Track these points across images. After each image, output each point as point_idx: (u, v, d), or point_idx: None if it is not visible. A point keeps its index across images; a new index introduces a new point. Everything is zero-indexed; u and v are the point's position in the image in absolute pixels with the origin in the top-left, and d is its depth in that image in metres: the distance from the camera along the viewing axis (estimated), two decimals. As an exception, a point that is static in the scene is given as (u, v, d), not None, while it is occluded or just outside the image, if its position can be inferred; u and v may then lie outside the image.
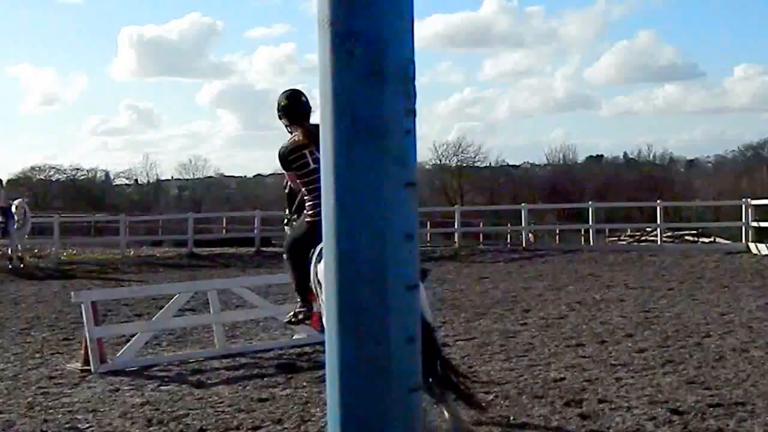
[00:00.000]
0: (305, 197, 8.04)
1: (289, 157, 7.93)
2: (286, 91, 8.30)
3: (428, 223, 36.46)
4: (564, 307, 15.29)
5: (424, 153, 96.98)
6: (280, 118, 8.25)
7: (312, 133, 7.69)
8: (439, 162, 75.22)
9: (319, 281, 7.31)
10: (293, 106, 8.10)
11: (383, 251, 1.60)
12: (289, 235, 8.49)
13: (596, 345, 11.40)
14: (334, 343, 1.61)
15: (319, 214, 7.30)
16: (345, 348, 1.59)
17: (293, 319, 8.72)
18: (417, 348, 1.61)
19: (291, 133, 8.09)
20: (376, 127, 1.61)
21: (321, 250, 7.43)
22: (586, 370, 9.89)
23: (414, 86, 1.69)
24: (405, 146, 1.65)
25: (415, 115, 1.69)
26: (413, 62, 1.69)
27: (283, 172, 8.46)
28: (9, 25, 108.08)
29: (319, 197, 6.91)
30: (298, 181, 8.00)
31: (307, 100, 8.17)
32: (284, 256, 8.49)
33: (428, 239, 34.24)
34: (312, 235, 7.66)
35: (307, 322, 8.89)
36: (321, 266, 7.38)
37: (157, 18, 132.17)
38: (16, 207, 26.20)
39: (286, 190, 9.00)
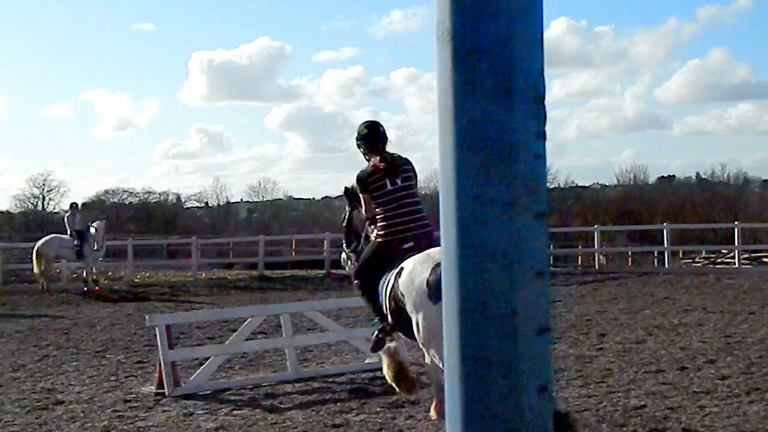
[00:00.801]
0: (378, 219, 8.29)
1: (368, 179, 8.32)
2: (366, 121, 8.84)
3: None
4: (641, 331, 14.95)
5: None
6: (359, 147, 8.71)
7: (390, 161, 8.36)
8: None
9: (402, 293, 7.54)
10: (373, 136, 8.56)
11: (512, 291, 1.43)
12: (359, 259, 8.63)
13: (677, 371, 11.10)
14: (456, 395, 1.44)
15: (389, 235, 8.15)
16: (469, 400, 1.43)
17: (374, 345, 8.82)
18: (549, 399, 1.45)
19: (368, 160, 8.51)
20: (504, 151, 1.44)
21: (400, 268, 7.65)
22: (667, 397, 9.62)
23: (544, 106, 1.53)
24: (535, 172, 1.48)
25: (545, 138, 1.53)
26: (543, 79, 1.52)
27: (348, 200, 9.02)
28: (85, 52, 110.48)
29: (389, 220, 7.67)
30: (373, 204, 8.31)
31: (385, 131, 8.64)
32: (354, 279, 8.72)
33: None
34: (381, 256, 8.14)
35: (388, 340, 8.82)
36: (403, 278, 7.57)
37: (227, 43, 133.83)
38: (96, 229, 26.61)
39: (344, 224, 9.33)
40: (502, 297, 1.41)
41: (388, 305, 7.97)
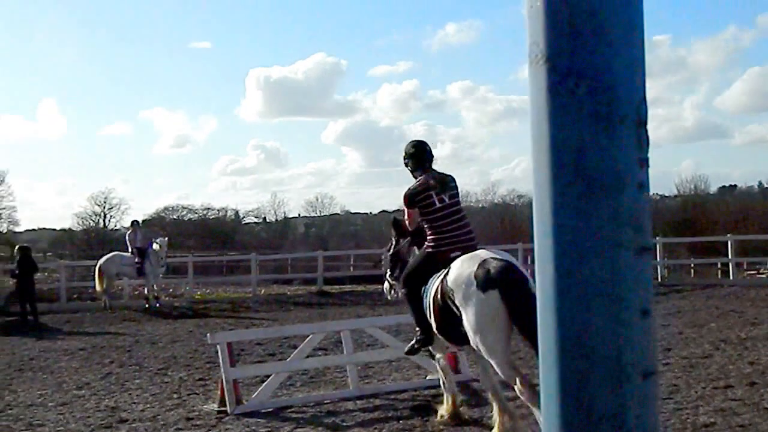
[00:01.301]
0: (428, 233, 8.72)
1: (417, 197, 8.75)
2: (413, 141, 9.32)
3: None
4: (707, 345, 14.62)
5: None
6: (406, 165, 9.18)
7: (437, 178, 8.83)
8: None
9: (450, 288, 7.91)
10: (420, 154, 9.07)
11: (616, 332, 1.32)
12: (407, 267, 9.07)
13: (746, 387, 10.82)
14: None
15: (437, 247, 8.52)
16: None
17: (412, 349, 9.44)
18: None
19: (415, 177, 9.00)
20: (605, 180, 1.34)
21: (448, 268, 7.94)
22: (737, 414, 9.37)
23: (647, 131, 1.42)
24: (639, 203, 1.37)
25: (648, 166, 1.42)
26: (645, 102, 1.42)
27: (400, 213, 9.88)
28: (144, 71, 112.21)
29: (439, 233, 8.00)
30: (420, 218, 8.78)
31: (431, 150, 9.17)
32: (401, 288, 9.14)
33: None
34: (428, 265, 8.56)
35: (423, 350, 9.38)
36: (451, 275, 7.88)
37: (283, 59, 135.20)
38: (160, 246, 26.88)
39: (390, 253, 9.99)
40: (606, 338, 1.30)
41: (433, 304, 8.28)
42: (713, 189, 78.35)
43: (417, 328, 8.97)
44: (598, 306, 1.35)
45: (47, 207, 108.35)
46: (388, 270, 10.07)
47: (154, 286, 27.01)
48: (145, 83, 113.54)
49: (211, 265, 44.29)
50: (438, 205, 8.62)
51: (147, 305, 26.49)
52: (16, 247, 26.94)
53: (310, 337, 12.18)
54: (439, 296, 8.15)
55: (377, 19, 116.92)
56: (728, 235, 32.44)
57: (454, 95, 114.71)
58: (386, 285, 10.19)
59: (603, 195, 1.36)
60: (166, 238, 28.63)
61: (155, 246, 27.16)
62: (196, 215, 77.33)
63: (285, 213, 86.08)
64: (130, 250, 27.23)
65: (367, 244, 65.91)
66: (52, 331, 22.35)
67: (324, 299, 28.14)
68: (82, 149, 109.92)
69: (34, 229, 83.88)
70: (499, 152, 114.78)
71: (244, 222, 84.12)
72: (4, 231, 77.88)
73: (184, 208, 78.63)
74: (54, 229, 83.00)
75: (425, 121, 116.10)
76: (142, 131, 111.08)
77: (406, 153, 9.17)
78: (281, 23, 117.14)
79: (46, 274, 33.53)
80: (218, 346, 11.24)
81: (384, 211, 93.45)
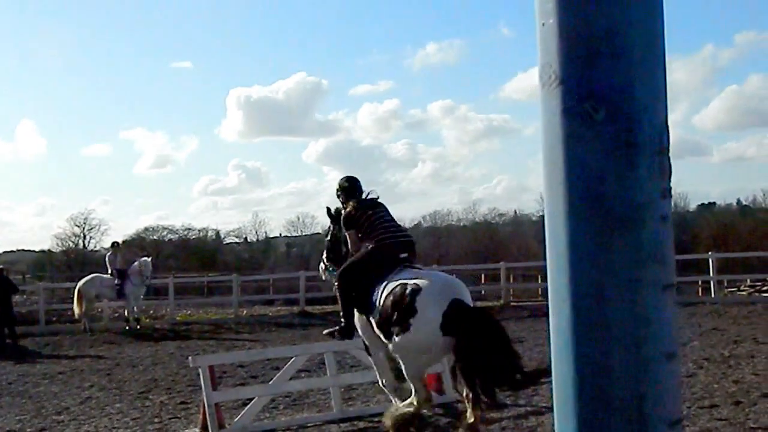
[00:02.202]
0: (368, 238, 9.37)
1: (353, 216, 9.56)
2: (346, 176, 10.18)
3: (539, 277, 35.70)
4: (691, 364, 14.55)
5: (532, 204, 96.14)
6: (338, 197, 10.00)
7: (362, 203, 9.67)
8: (547, 213, 74.16)
9: (418, 307, 8.34)
10: (351, 188, 9.90)
11: (639, 376, 1.22)
12: (348, 261, 9.55)
13: (732, 406, 10.75)
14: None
15: (381, 242, 9.18)
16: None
17: (331, 333, 10.12)
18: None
19: (344, 206, 9.81)
20: (625, 211, 1.23)
21: (415, 283, 8.42)
22: (723, 434, 9.31)
23: (669, 158, 1.32)
24: (662, 237, 1.26)
25: (671, 196, 1.31)
26: (668, 128, 1.31)
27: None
28: (124, 91, 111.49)
29: (379, 233, 8.63)
30: (358, 237, 9.51)
31: (361, 185, 9.99)
32: (336, 280, 9.64)
33: (540, 294, 33.50)
34: (369, 262, 9.20)
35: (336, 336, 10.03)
36: (422, 297, 8.31)
37: (264, 79, 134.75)
38: (143, 266, 26.72)
39: (327, 238, 10.57)
40: (628, 384, 1.19)
41: (384, 303, 8.71)
42: (692, 206, 78.67)
43: (342, 319, 9.69)
44: (618, 349, 1.24)
45: (26, 228, 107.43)
46: (325, 253, 10.59)
47: (135, 308, 26.79)
48: (125, 103, 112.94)
49: (192, 286, 43.99)
50: (369, 213, 9.51)
51: (127, 327, 26.24)
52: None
53: (293, 359, 12.05)
54: (396, 298, 8.55)
55: (358, 38, 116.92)
56: (710, 252, 32.50)
57: (435, 114, 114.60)
58: (322, 266, 10.71)
59: (622, 228, 1.26)
60: (150, 258, 28.41)
61: (145, 259, 27.10)
62: (177, 236, 76.85)
63: (266, 233, 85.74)
64: (110, 271, 26.98)
65: (348, 263, 65.68)
66: (31, 354, 22.07)
67: (306, 320, 27.94)
68: (61, 170, 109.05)
69: (13, 251, 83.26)
70: (480, 171, 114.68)
71: (225, 242, 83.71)
72: (-17, 252, 77.46)
73: (164, 228, 78.11)
74: (33, 251, 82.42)
75: (406, 140, 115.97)
76: (122, 151, 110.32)
77: (340, 186, 9.98)
78: (262, 43, 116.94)
79: (25, 296, 33.16)
80: (200, 369, 11.09)
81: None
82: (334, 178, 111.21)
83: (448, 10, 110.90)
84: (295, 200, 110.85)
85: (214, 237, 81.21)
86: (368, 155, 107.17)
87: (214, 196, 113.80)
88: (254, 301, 35.68)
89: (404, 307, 8.41)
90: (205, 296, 39.79)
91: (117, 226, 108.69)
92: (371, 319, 9.05)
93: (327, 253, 10.50)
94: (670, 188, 1.32)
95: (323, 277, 11.04)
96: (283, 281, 42.16)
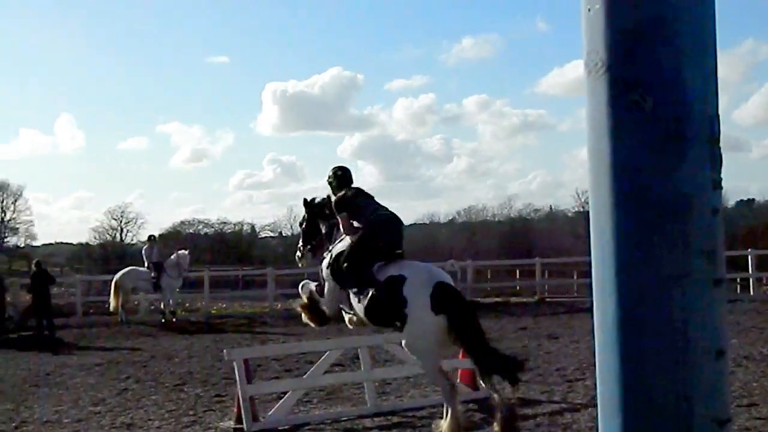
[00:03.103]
0: (360, 218, 9.86)
1: (344, 200, 9.96)
2: (338, 166, 10.50)
3: (575, 273, 35.42)
4: (730, 362, 14.36)
5: (567, 200, 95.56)
6: (330, 184, 10.34)
7: (354, 191, 10.13)
8: (582, 209, 73.79)
9: (406, 296, 8.95)
10: (343, 177, 10.29)
11: (687, 374, 1.17)
12: (344, 252, 9.85)
13: (771, 405, 10.61)
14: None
15: (370, 222, 9.64)
16: None
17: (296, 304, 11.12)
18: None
19: (335, 194, 10.17)
20: (675, 204, 1.18)
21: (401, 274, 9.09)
22: (763, 433, 9.18)
23: (720, 149, 1.27)
24: (712, 230, 1.21)
25: (722, 188, 1.26)
26: (718, 117, 1.26)
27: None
28: (161, 86, 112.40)
29: (369, 214, 9.06)
30: (350, 220, 9.91)
31: (352, 175, 10.44)
32: (324, 271, 10.18)
33: (575, 290, 33.28)
34: (362, 243, 9.65)
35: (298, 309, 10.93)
36: (409, 287, 8.91)
37: (300, 74, 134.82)
38: (180, 259, 26.91)
39: (302, 227, 11.04)
40: (675, 382, 1.15)
41: (377, 291, 9.27)
42: (731, 203, 77.76)
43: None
44: (666, 346, 1.20)
45: (64, 221, 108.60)
46: (301, 240, 11.07)
47: (170, 300, 26.94)
48: (162, 98, 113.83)
49: (228, 280, 44.20)
50: (364, 198, 10.06)
51: (163, 320, 26.40)
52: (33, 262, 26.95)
53: (327, 353, 12.06)
54: (389, 285, 9.12)
55: (393, 33, 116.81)
56: (749, 249, 32.12)
57: (471, 109, 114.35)
58: (298, 254, 11.22)
59: (671, 221, 1.21)
60: (188, 251, 28.51)
61: (182, 252, 27.33)
62: (213, 229, 77.42)
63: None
64: (146, 264, 27.16)
65: (383, 258, 65.64)
66: (68, 346, 22.25)
67: (340, 313, 27.97)
68: (99, 163, 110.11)
69: (51, 244, 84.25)
70: (515, 166, 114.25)
71: (260, 236, 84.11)
72: (22, 245, 78.34)
73: (200, 222, 78.75)
74: (71, 244, 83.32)
75: (441, 135, 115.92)
76: (159, 145, 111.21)
77: (333, 174, 10.35)
78: (298, 38, 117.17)
79: (62, 288, 33.48)
80: (235, 363, 11.12)
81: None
82: (369, 173, 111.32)
83: (484, 4, 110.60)
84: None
85: (249, 231, 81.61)
86: (403, 150, 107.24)
87: (250, 190, 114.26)
88: (289, 295, 35.64)
89: (395, 298, 9.00)
90: (240, 290, 39.97)
91: (153, 220, 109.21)
92: (351, 294, 9.76)
93: (303, 240, 10.99)
94: (721, 179, 1.28)
95: (299, 265, 11.78)
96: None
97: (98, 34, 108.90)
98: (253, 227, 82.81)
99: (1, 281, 26.07)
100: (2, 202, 78.42)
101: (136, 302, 28.73)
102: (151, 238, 29.52)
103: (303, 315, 10.75)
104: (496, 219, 78.62)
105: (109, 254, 70.08)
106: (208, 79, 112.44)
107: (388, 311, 9.18)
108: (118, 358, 18.84)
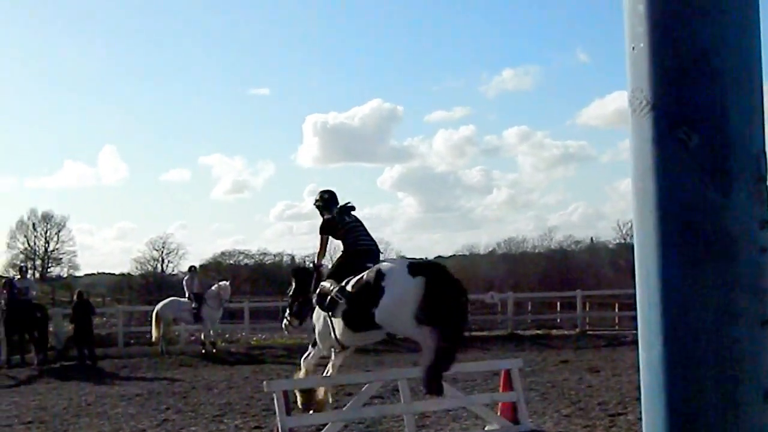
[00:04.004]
0: (344, 241, 11.01)
1: (329, 224, 11.15)
2: (325, 190, 11.66)
3: (616, 305, 35.08)
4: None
5: (608, 232, 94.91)
6: (318, 207, 11.51)
7: (340, 214, 11.22)
8: (623, 241, 73.28)
9: (385, 272, 9.68)
10: (331, 201, 11.42)
11: (735, 416, 1.14)
12: (331, 268, 11.05)
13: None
14: None
15: (353, 246, 10.84)
16: None
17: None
18: None
19: (323, 216, 11.32)
20: (720, 242, 1.17)
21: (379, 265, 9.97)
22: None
23: (767, 187, 1.25)
24: (759, 269, 1.20)
25: None
26: (765, 154, 1.25)
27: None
28: (203, 118, 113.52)
29: (351, 240, 10.88)
30: (328, 243, 11.30)
31: (337, 198, 11.51)
32: (326, 282, 10.84)
33: (617, 323, 32.95)
34: (348, 261, 10.70)
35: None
36: (386, 265, 9.94)
37: (340, 105, 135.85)
38: (221, 290, 27.03)
39: (291, 294, 12.06)
40: (722, 425, 1.13)
41: (355, 286, 10.06)
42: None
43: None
44: (713, 387, 1.18)
45: (107, 252, 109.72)
46: (288, 309, 12.06)
47: (211, 331, 27.01)
48: (204, 129, 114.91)
49: (267, 310, 44.26)
50: (347, 220, 11.05)
51: (203, 350, 26.47)
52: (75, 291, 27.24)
53: (366, 385, 12.02)
54: (363, 281, 9.88)
55: (433, 65, 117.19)
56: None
57: (511, 140, 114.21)
58: (285, 322, 12.24)
59: (717, 260, 1.19)
60: (228, 282, 28.61)
61: (223, 283, 27.45)
62: (253, 260, 77.80)
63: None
64: (187, 295, 27.29)
65: (422, 289, 65.45)
66: (110, 375, 22.39)
67: (380, 345, 27.82)
68: (141, 194, 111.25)
69: (93, 274, 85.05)
70: (556, 198, 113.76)
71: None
72: (65, 275, 79.25)
73: (240, 253, 79.22)
74: (113, 274, 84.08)
75: (481, 166, 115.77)
76: (200, 176, 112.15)
77: (320, 198, 11.47)
78: (338, 70, 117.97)
79: (104, 318, 33.76)
80: (274, 394, 11.12)
81: (440, 256, 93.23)
82: (409, 204, 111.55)
83: (524, 35, 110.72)
84: (369, 226, 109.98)
85: (289, 262, 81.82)
86: (443, 181, 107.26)
87: (290, 221, 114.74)
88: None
89: (373, 280, 9.64)
90: (280, 320, 39.98)
91: (194, 251, 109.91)
92: (333, 315, 10.51)
93: (290, 307, 11.98)
94: (768, 219, 1.26)
95: (286, 333, 12.83)
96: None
97: (141, 67, 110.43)
98: (293, 258, 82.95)
99: (44, 311, 26.29)
100: (46, 233, 79.59)
101: (176, 333, 28.87)
102: (191, 268, 29.70)
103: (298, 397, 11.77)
104: (537, 251, 78.25)
105: (150, 285, 70.63)
106: (250, 110, 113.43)
107: (367, 295, 9.67)
108: (159, 389, 18.91)
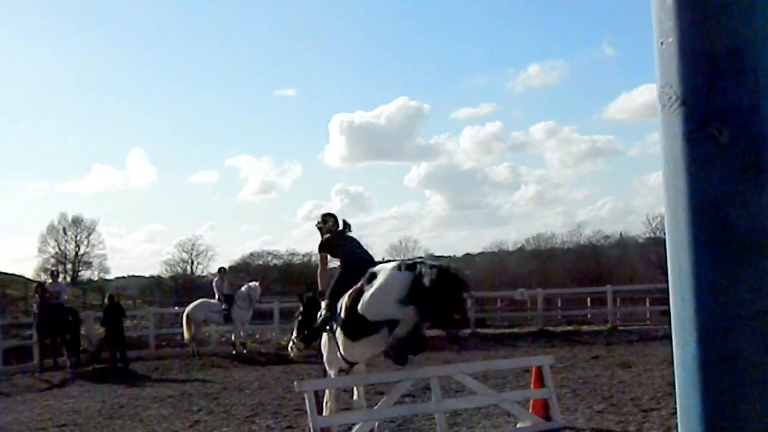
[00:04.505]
0: (340, 258, 11.69)
1: (327, 244, 11.84)
2: (326, 212, 12.34)
3: (647, 300, 34.86)
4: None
5: (638, 226, 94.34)
6: (319, 228, 12.06)
7: (337, 234, 11.90)
8: (653, 235, 72.84)
9: (376, 271, 10.14)
10: (331, 223, 11.95)
11: None
12: (331, 284, 11.46)
13: None
14: None
15: (347, 261, 11.35)
16: None
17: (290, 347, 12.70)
18: None
19: (322, 236, 11.90)
20: (753, 239, 1.15)
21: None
22: None
23: None
24: None
25: None
26: None
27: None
28: (230, 119, 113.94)
29: (347, 255, 11.59)
30: (327, 261, 12.11)
31: (337, 218, 12.11)
32: (324, 299, 11.37)
33: (648, 318, 32.75)
34: (346, 275, 11.08)
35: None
36: (378, 267, 10.32)
37: (366, 104, 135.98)
38: (251, 290, 27.11)
39: (299, 318, 12.48)
40: (759, 422, 1.11)
41: (348, 297, 10.41)
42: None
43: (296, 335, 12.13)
44: (748, 385, 1.16)
45: (137, 254, 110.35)
46: (295, 331, 12.42)
47: (241, 332, 27.09)
48: (231, 131, 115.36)
49: (297, 311, 44.36)
50: (344, 240, 11.73)
51: (234, 351, 26.55)
52: (106, 294, 27.45)
53: (397, 384, 12.01)
54: (360, 284, 10.21)
55: (459, 62, 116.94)
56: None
57: (538, 136, 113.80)
58: (291, 344, 12.67)
59: (751, 256, 1.17)
60: (258, 282, 28.67)
61: (253, 283, 27.54)
62: (282, 260, 77.95)
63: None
64: (217, 296, 27.37)
65: (451, 287, 65.29)
66: (142, 378, 22.51)
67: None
68: (170, 197, 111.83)
69: (123, 277, 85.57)
70: (584, 193, 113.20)
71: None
72: (95, 279, 79.81)
73: (269, 253, 79.39)
74: (143, 276, 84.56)
75: (508, 162, 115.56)
76: (228, 178, 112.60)
77: (322, 220, 12.02)
78: (363, 69, 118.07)
79: (135, 321, 33.97)
80: (305, 394, 11.14)
81: (468, 254, 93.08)
82: (436, 202, 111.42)
83: (550, 31, 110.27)
84: (397, 224, 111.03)
85: (318, 262, 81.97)
86: (470, 178, 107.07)
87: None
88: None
89: (365, 282, 10.06)
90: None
91: (223, 252, 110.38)
92: (335, 330, 10.91)
93: (298, 330, 12.33)
94: (804, 215, 1.23)
95: (291, 355, 13.17)
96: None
97: (167, 70, 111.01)
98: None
99: (76, 315, 26.47)
100: (77, 237, 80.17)
101: (207, 334, 28.98)
102: (221, 270, 29.82)
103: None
104: (566, 246, 77.87)
105: (179, 287, 70.97)
106: (276, 111, 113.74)
107: (357, 297, 10.12)
108: (190, 390, 19.00)
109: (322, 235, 11.91)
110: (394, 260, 11.23)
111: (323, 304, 11.33)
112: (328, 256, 12.03)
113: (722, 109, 1.22)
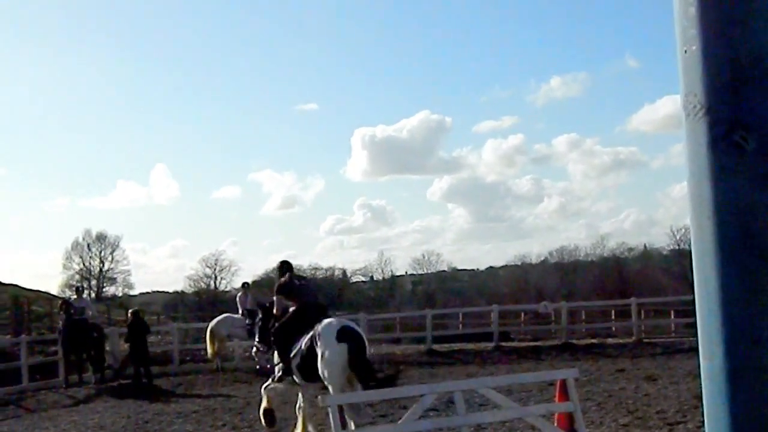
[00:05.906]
0: (292, 303, 13.27)
1: (283, 287, 13.44)
2: (282, 260, 14.23)
3: (671, 312, 34.61)
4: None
5: (662, 238, 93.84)
6: (277, 272, 14.36)
7: (293, 278, 13.76)
8: (677, 247, 72.49)
9: (319, 333, 12.22)
10: (286, 268, 13.80)
11: None
12: (280, 323, 13.14)
13: None
14: None
15: (301, 303, 13.04)
16: None
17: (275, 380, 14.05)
18: None
19: (279, 279, 13.71)
20: None
21: (316, 329, 12.53)
22: None
23: None
24: None
25: None
26: None
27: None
28: (253, 134, 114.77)
29: (301, 298, 13.51)
30: (283, 301, 13.40)
31: (292, 265, 14.19)
32: (271, 338, 13.36)
33: (673, 330, 32.52)
34: (296, 319, 12.90)
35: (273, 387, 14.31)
36: (319, 329, 12.27)
37: (388, 118, 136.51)
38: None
39: (259, 325, 14.28)
40: None
41: (304, 347, 12.41)
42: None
43: (280, 365, 13.36)
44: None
45: (161, 270, 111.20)
46: (257, 336, 14.27)
47: (265, 347, 27.07)
48: (254, 146, 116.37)
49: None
50: (299, 284, 13.64)
51: (258, 367, 26.52)
52: (129, 310, 27.53)
53: (422, 398, 11.97)
54: (309, 342, 12.29)
55: (481, 75, 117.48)
56: None
57: (561, 149, 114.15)
58: (254, 349, 14.90)
59: (779, 267, 1.16)
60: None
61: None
62: (305, 275, 78.11)
63: (392, 271, 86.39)
64: (240, 311, 27.40)
65: (473, 300, 65.29)
66: (166, 393, 22.55)
67: (433, 358, 27.77)
68: (193, 212, 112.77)
69: (147, 292, 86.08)
70: (607, 205, 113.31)
71: (351, 281, 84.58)
72: (120, 294, 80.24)
73: (292, 268, 79.54)
74: (167, 292, 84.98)
75: (531, 175, 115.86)
76: (251, 193, 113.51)
77: (279, 267, 14.06)
78: (385, 83, 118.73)
79: (159, 336, 34.06)
80: (329, 408, 11.11)
81: (491, 267, 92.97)
82: (459, 215, 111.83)
83: (572, 43, 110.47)
84: (420, 238, 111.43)
85: (340, 276, 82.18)
86: (493, 191, 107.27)
87: (341, 235, 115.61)
88: (381, 340, 35.70)
89: (312, 346, 12.20)
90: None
91: (246, 267, 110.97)
92: (292, 365, 12.79)
93: (259, 337, 14.12)
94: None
95: (256, 359, 15.43)
96: (410, 319, 42.14)
97: (190, 86, 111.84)
98: (344, 272, 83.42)
99: (101, 331, 26.59)
100: (101, 253, 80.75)
101: (231, 349, 29.01)
102: (244, 285, 29.88)
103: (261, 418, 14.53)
104: (589, 259, 77.64)
105: (203, 302, 71.27)
106: (298, 126, 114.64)
107: (310, 358, 12.24)
108: (215, 405, 19.02)
109: (279, 277, 13.79)
110: (329, 317, 13.12)
111: (277, 359, 13.46)
112: (283, 298, 13.52)
113: (747, 117, 1.20)
